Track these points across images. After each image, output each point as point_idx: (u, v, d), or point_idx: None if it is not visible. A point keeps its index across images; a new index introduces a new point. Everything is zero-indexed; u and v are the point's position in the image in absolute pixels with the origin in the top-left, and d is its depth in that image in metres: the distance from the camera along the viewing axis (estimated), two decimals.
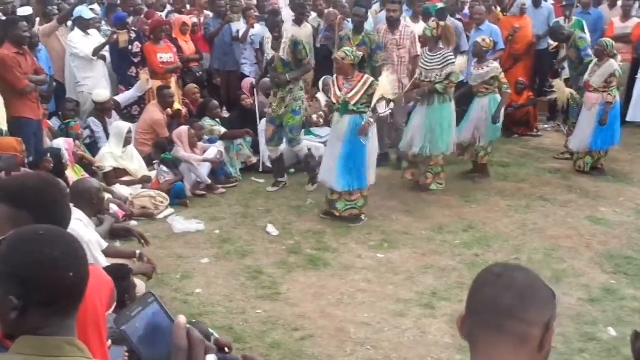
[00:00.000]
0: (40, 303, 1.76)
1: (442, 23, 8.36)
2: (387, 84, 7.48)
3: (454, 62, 8.06)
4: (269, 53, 8.14)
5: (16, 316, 1.74)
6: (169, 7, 11.87)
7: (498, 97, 8.59)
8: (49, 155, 7.39)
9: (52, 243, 1.79)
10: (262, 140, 8.94)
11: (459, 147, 8.79)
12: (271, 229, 7.38)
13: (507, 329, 1.72)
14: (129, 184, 8.18)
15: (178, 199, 8.14)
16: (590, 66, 8.94)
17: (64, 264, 1.77)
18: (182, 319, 1.51)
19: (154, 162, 8.65)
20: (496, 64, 8.69)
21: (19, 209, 2.32)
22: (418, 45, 9.05)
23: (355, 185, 7.43)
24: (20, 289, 1.74)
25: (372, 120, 7.34)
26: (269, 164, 8.93)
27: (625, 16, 11.47)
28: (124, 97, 9.44)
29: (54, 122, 8.89)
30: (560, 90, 9.42)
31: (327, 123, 9.53)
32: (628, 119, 10.99)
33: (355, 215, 7.54)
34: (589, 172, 9.03)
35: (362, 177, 7.44)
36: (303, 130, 9.79)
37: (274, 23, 8.09)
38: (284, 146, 8.49)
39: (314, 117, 9.56)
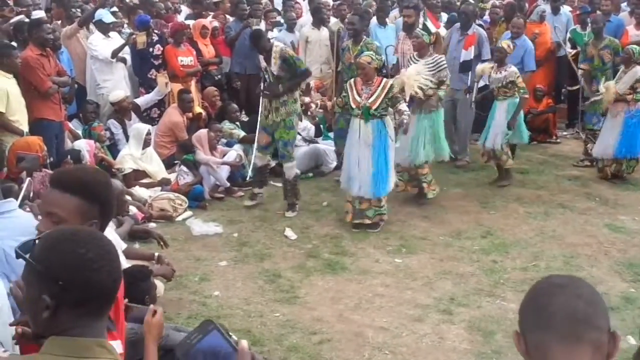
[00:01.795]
0: (72, 303, 1.77)
1: (434, 31, 8.37)
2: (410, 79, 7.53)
3: (446, 67, 8.04)
4: (263, 64, 7.99)
5: (48, 316, 1.76)
6: (187, 10, 11.93)
7: (517, 101, 8.58)
8: (69, 157, 7.46)
9: (86, 244, 1.80)
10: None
11: (486, 154, 8.78)
12: (289, 232, 7.40)
13: (586, 337, 1.69)
14: (148, 186, 8.24)
15: (197, 201, 8.18)
16: (618, 73, 8.92)
17: (97, 265, 1.78)
18: (244, 344, 1.52)
19: (176, 162, 8.71)
20: (514, 69, 8.63)
21: (91, 203, 2.35)
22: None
23: (386, 191, 7.42)
24: (54, 288, 1.75)
25: (406, 118, 7.25)
26: None
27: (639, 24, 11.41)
28: (144, 100, 9.50)
29: (75, 124, 8.97)
30: (609, 91, 9.31)
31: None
32: None
33: (381, 220, 7.53)
34: (610, 179, 9.00)
35: (390, 181, 7.44)
36: (320, 137, 9.82)
37: (259, 47, 7.94)
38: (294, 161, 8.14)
39: (307, 99, 9.40)
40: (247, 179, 8.74)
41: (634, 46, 9.04)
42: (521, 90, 8.54)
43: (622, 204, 8.32)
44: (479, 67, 8.79)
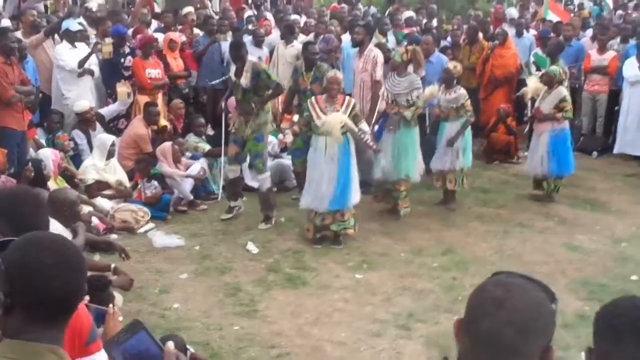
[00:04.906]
0: (23, 306, 1.79)
1: (410, 47, 8.42)
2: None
3: (420, 87, 8.10)
4: (233, 78, 8.02)
5: (2, 313, 1.79)
6: (154, 24, 11.93)
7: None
8: (30, 164, 7.40)
9: (49, 250, 1.83)
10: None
11: (438, 176, 8.85)
12: (251, 246, 7.42)
13: None
14: (110, 197, 8.20)
15: (164, 212, 8.18)
16: (541, 94, 9.07)
17: (53, 272, 1.81)
18: (170, 345, 1.55)
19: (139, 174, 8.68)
20: (464, 91, 8.69)
21: None
22: (379, 70, 8.99)
23: (350, 204, 7.47)
24: (9, 287, 1.79)
25: (368, 137, 7.38)
26: (249, 182, 8.93)
27: (602, 49, 11.72)
28: (108, 110, 9.51)
29: (38, 133, 8.90)
30: (531, 85, 9.49)
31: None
32: (615, 151, 11.32)
33: (348, 235, 7.58)
34: (541, 200, 9.15)
35: (353, 195, 7.49)
36: (284, 154, 9.82)
37: (237, 56, 7.98)
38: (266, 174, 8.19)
39: (280, 136, 9.39)
40: (218, 194, 8.80)
41: (554, 67, 9.19)
42: (468, 113, 8.58)
43: (580, 223, 8.46)
44: (427, 90, 8.74)
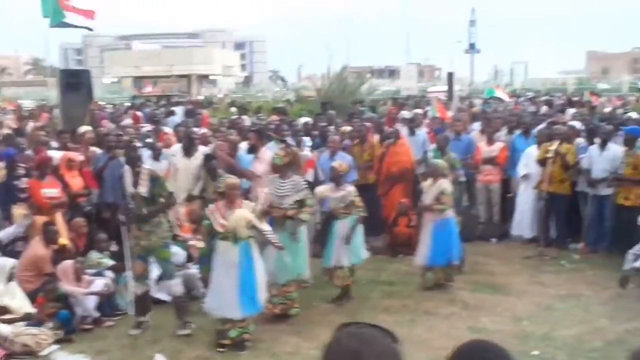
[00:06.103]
0: None
1: (289, 150, 8.69)
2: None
3: (306, 187, 8.34)
4: (129, 189, 8.08)
5: None
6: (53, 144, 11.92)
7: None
8: None
9: None
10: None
11: (327, 271, 8.99)
12: (160, 358, 7.26)
13: None
14: (10, 321, 7.92)
15: (65, 329, 7.94)
16: (428, 186, 9.45)
17: None
18: None
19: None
20: (352, 188, 8.99)
21: None
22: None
23: (255, 309, 7.48)
24: None
25: (271, 236, 7.53)
26: (157, 295, 8.82)
27: (490, 140, 12.43)
28: (5, 234, 9.32)
29: None
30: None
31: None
32: (513, 233, 11.94)
33: (246, 340, 7.54)
34: (432, 287, 9.38)
35: (258, 300, 7.53)
36: (190, 264, 9.80)
37: (133, 158, 8.14)
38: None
39: (192, 243, 9.46)
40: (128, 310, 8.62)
41: (436, 161, 9.75)
42: (359, 209, 8.85)
43: (483, 306, 8.73)
44: (318, 190, 9.05)
